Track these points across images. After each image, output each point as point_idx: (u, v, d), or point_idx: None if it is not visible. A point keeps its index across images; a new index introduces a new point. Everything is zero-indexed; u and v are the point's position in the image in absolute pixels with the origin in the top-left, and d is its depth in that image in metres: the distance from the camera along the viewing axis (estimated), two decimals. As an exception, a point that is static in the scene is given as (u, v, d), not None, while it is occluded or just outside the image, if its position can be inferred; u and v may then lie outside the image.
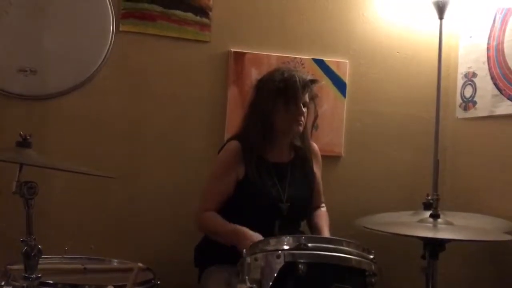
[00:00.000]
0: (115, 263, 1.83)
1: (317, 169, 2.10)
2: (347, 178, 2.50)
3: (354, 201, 2.46)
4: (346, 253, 1.39)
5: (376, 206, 2.31)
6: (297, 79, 1.89)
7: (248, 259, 1.39)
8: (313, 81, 1.97)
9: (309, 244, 1.37)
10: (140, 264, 1.47)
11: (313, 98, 1.99)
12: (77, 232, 2.19)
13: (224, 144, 2.01)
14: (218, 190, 1.92)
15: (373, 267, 1.41)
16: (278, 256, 1.35)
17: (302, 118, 1.93)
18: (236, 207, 1.91)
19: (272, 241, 1.44)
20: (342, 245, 1.41)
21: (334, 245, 1.40)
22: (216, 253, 1.91)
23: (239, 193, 1.91)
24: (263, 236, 1.69)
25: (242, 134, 1.97)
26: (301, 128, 1.94)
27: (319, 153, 2.14)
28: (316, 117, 2.05)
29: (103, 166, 2.17)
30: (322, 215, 2.11)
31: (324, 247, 1.38)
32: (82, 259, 1.80)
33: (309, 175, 2.05)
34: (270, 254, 1.38)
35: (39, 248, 1.36)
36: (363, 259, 1.41)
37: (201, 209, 1.92)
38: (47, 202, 2.08)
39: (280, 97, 1.89)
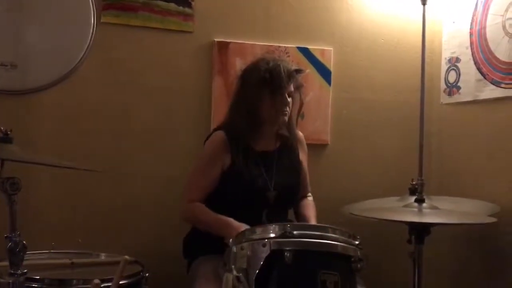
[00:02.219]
0: (103, 257, 1.84)
1: (303, 157, 2.10)
2: (333, 166, 2.51)
3: (341, 189, 2.47)
4: (331, 240, 1.40)
5: (363, 193, 2.32)
6: (282, 69, 1.89)
7: (234, 248, 1.39)
8: (298, 71, 1.97)
9: (295, 232, 1.37)
10: (126, 257, 1.46)
11: (298, 87, 1.98)
12: (63, 227, 2.18)
13: (210, 135, 2.01)
14: (204, 181, 1.91)
15: (358, 253, 1.42)
16: (264, 245, 1.35)
17: (287, 108, 1.93)
18: (223, 197, 1.91)
19: (258, 229, 1.44)
20: (328, 232, 1.41)
21: (320, 232, 1.40)
22: (204, 244, 1.92)
23: (225, 183, 1.91)
24: (250, 225, 1.69)
25: (227, 124, 1.97)
26: (286, 118, 1.94)
27: (304, 141, 2.14)
28: (301, 106, 2.05)
29: (88, 160, 2.17)
30: (309, 205, 2.11)
31: (309, 234, 1.39)
32: (70, 254, 1.80)
33: (296, 164, 2.05)
34: (256, 243, 1.38)
35: (23, 244, 1.35)
36: (349, 245, 1.41)
37: (186, 200, 1.92)
38: (32, 197, 2.07)
39: (265, 87, 1.89)
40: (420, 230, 1.76)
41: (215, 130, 2.01)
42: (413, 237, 1.79)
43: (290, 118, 1.99)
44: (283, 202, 1.98)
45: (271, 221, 1.80)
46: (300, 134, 2.14)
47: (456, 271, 2.38)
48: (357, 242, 1.44)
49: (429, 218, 1.74)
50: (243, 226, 1.71)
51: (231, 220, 1.78)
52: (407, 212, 1.79)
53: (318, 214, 2.09)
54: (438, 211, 1.78)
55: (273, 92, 1.89)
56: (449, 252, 2.39)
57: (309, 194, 2.18)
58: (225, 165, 1.91)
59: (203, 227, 1.89)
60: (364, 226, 1.84)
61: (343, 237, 1.43)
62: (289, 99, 1.93)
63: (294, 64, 2.10)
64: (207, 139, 2.00)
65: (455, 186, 2.37)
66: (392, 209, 1.91)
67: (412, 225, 1.78)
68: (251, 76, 1.94)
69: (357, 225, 1.74)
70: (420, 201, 1.79)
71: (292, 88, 1.94)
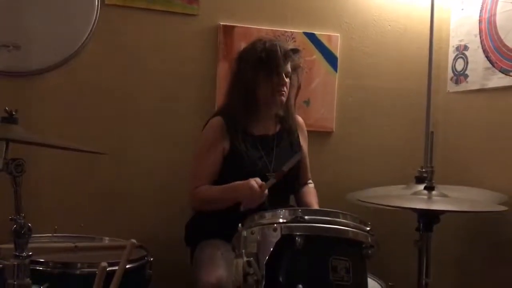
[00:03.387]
0: (106, 241, 1.82)
1: (303, 143, 2.09)
2: (339, 153, 2.49)
3: (345, 176, 2.45)
4: (343, 225, 1.37)
5: (367, 181, 2.31)
6: (278, 48, 1.88)
7: (245, 233, 1.37)
8: (294, 51, 1.96)
9: (306, 217, 1.35)
10: (133, 241, 1.43)
11: (295, 68, 1.97)
12: (66, 211, 2.15)
13: (207, 122, 1.98)
14: (207, 167, 1.90)
15: (369, 239, 1.40)
16: (275, 229, 1.32)
17: (285, 89, 1.91)
18: (223, 181, 1.89)
19: (268, 214, 1.42)
20: (339, 218, 1.39)
21: (331, 217, 1.37)
22: (207, 229, 1.91)
23: (225, 167, 1.90)
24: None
25: (225, 109, 1.96)
26: (283, 99, 1.93)
27: (304, 127, 2.13)
28: (299, 88, 2.05)
29: (91, 142, 2.12)
30: (311, 192, 2.10)
31: (321, 219, 1.36)
32: (73, 238, 1.78)
33: (296, 147, 2.03)
34: (266, 227, 1.35)
35: (28, 226, 1.32)
36: (360, 231, 1.39)
37: (193, 187, 1.91)
38: (35, 180, 2.04)
39: (262, 67, 1.88)
40: (429, 218, 1.74)
41: (212, 117, 1.99)
42: (421, 225, 1.77)
43: (288, 99, 1.97)
44: (284, 185, 1.94)
45: (272, 204, 1.77)
46: (301, 120, 2.12)
47: (462, 259, 2.38)
48: (368, 228, 1.42)
49: (440, 205, 1.72)
50: (250, 181, 1.72)
51: (236, 182, 1.78)
52: (418, 199, 1.77)
53: (322, 201, 2.08)
54: (448, 199, 1.77)
55: (269, 72, 1.88)
56: (455, 240, 2.38)
57: (310, 181, 2.16)
58: (225, 150, 1.91)
59: (214, 205, 1.86)
60: (367, 214, 1.81)
61: (354, 223, 1.40)
62: (287, 80, 1.91)
63: (292, 44, 2.09)
64: (204, 127, 1.98)
65: (461, 175, 2.36)
66: (401, 197, 1.89)
67: (422, 213, 1.76)
68: (247, 57, 1.93)
69: (360, 213, 1.70)
70: (430, 188, 1.77)
71: (289, 68, 1.92)
